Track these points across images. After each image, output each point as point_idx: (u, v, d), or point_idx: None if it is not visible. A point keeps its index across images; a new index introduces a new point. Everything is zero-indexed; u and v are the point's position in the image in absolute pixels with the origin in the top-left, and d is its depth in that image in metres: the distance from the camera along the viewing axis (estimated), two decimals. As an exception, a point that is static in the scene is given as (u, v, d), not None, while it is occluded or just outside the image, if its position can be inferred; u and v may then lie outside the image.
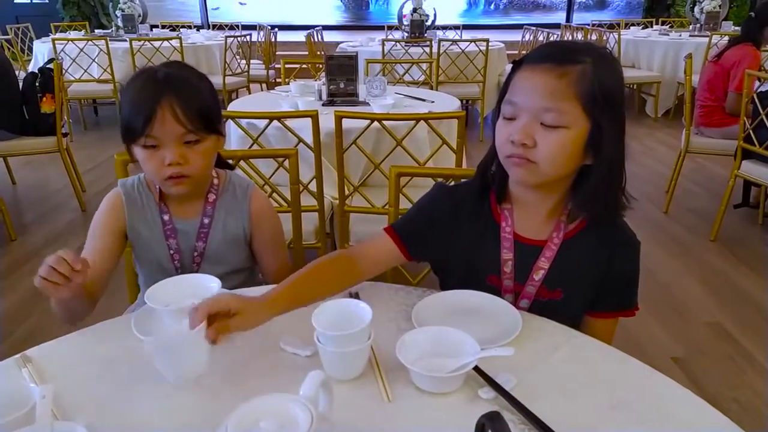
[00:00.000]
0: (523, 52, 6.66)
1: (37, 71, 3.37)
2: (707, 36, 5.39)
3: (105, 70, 5.02)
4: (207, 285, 1.02)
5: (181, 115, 1.11)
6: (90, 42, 5.06)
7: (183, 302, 0.97)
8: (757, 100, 2.75)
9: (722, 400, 1.91)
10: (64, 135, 3.47)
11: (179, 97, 1.12)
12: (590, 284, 1.03)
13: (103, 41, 4.99)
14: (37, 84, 3.28)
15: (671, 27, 7.19)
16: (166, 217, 1.26)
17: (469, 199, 1.08)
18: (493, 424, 0.61)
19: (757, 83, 2.85)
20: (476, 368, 0.84)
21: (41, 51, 5.51)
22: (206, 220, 1.27)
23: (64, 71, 4.34)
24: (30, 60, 5.93)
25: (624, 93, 1.00)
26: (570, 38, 6.65)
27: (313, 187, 2.15)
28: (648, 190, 3.84)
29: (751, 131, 2.81)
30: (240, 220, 1.29)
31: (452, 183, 1.15)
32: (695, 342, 2.24)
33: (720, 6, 6.03)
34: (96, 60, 5.06)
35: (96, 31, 6.86)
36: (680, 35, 6.05)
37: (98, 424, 0.76)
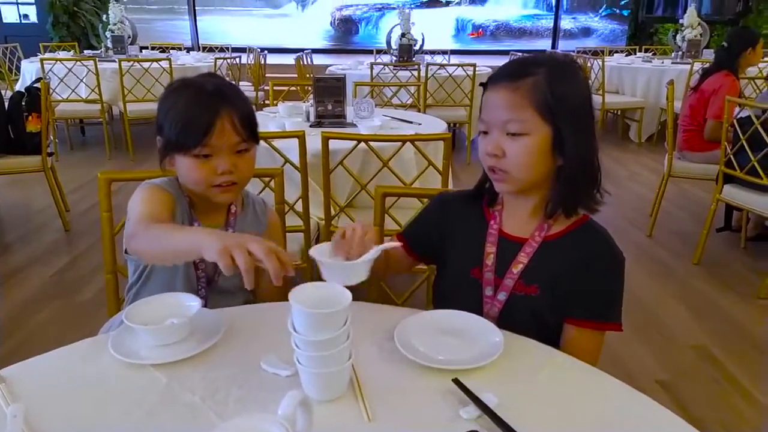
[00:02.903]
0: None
1: (23, 90, 3.37)
2: (689, 63, 5.51)
3: (93, 91, 5.01)
4: (186, 304, 1.01)
5: (238, 125, 1.16)
6: (79, 62, 5.06)
7: (162, 321, 0.97)
8: (737, 126, 2.81)
9: (707, 422, 1.91)
10: (50, 154, 3.45)
11: (234, 107, 1.16)
12: (566, 287, 1.06)
13: (91, 62, 4.99)
14: (23, 103, 3.27)
15: (654, 54, 7.34)
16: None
17: (462, 204, 1.19)
18: (473, 443, 0.61)
19: (736, 110, 2.91)
20: (458, 384, 0.84)
21: (29, 70, 5.51)
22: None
23: (51, 91, 4.34)
24: (17, 79, 5.91)
25: (585, 97, 1.06)
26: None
27: (299, 207, 2.15)
28: (632, 213, 3.88)
29: (732, 156, 2.86)
30: (259, 233, 1.31)
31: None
32: (680, 365, 2.25)
33: (701, 35, 6.17)
34: (84, 80, 5.05)
35: (85, 51, 6.87)
36: (663, 62, 6.17)
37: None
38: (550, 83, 1.00)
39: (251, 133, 1.20)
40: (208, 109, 1.14)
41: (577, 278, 1.05)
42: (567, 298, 1.06)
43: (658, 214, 3.53)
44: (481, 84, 1.09)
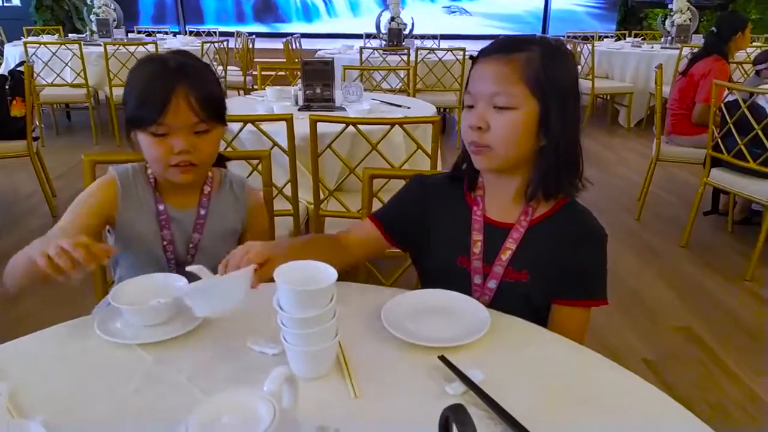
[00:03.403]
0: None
1: (6, 74, 3.31)
2: (678, 48, 5.52)
3: (78, 75, 4.95)
4: (173, 284, 1.00)
5: (195, 104, 1.12)
6: (63, 46, 4.98)
7: (148, 302, 0.96)
8: (724, 110, 2.82)
9: (692, 402, 1.94)
10: (35, 139, 3.41)
11: (193, 86, 1.12)
12: (555, 269, 1.06)
13: (76, 45, 4.92)
14: (6, 87, 3.22)
15: (643, 39, 7.34)
16: (161, 207, 1.24)
17: (443, 188, 1.15)
18: (457, 416, 0.61)
19: (725, 93, 2.92)
20: (445, 361, 0.85)
21: (12, 54, 5.42)
22: (202, 212, 1.27)
23: (35, 75, 4.28)
24: (0, 63, 5.82)
25: (574, 82, 1.06)
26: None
27: (287, 191, 2.14)
28: (620, 197, 3.90)
29: (719, 140, 2.88)
30: (238, 214, 1.31)
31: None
32: (666, 346, 2.27)
33: (690, 19, 6.18)
34: (69, 64, 4.98)
35: (70, 35, 6.77)
36: (652, 47, 6.18)
37: (56, 422, 0.74)
38: (543, 61, 0.99)
39: (213, 114, 1.16)
40: (164, 86, 1.11)
41: (565, 259, 1.06)
42: (556, 279, 1.07)
43: (646, 198, 3.55)
44: (471, 57, 1.08)
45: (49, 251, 0.86)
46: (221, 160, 1.36)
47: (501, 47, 1.02)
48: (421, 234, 1.15)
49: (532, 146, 1.03)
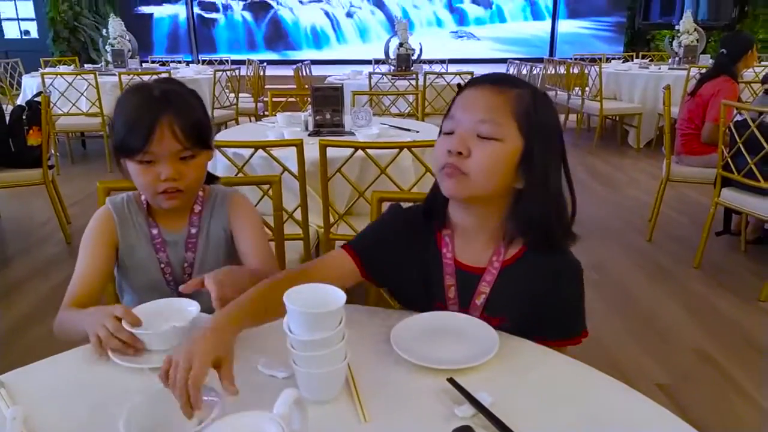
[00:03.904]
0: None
1: (24, 104, 3.39)
2: (686, 69, 5.54)
3: (93, 104, 5.05)
4: (185, 308, 1.02)
5: (179, 133, 1.14)
6: (79, 76, 5.10)
7: (161, 326, 0.98)
8: (733, 130, 2.82)
9: (707, 424, 1.91)
10: (50, 167, 3.47)
11: (177, 114, 1.14)
12: (533, 311, 1.03)
13: (92, 75, 5.03)
14: (24, 117, 3.29)
15: (651, 60, 7.38)
16: (154, 231, 1.28)
17: (416, 224, 1.10)
18: (465, 437, 0.61)
19: (734, 112, 2.92)
20: (454, 383, 0.85)
21: (30, 85, 5.55)
22: (193, 231, 1.29)
23: (52, 105, 4.37)
24: (18, 94, 5.96)
25: (560, 131, 1.03)
26: (553, 71, 6.81)
27: (298, 215, 2.16)
28: (631, 218, 3.89)
29: (729, 159, 2.87)
30: (220, 222, 1.32)
31: (407, 205, 1.17)
32: (680, 368, 2.25)
33: (698, 40, 6.21)
34: (85, 94, 5.09)
35: (85, 65, 6.92)
36: (660, 68, 6.20)
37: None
38: (533, 102, 0.98)
39: (197, 141, 1.18)
40: (148, 115, 1.13)
41: (541, 299, 1.03)
42: (534, 320, 1.03)
43: (657, 219, 3.53)
44: (459, 85, 1.05)
45: (99, 332, 0.95)
46: (211, 179, 1.38)
47: (493, 80, 1.01)
48: (396, 267, 1.09)
49: (508, 184, 1.00)
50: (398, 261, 1.09)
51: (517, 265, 1.04)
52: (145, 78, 4.98)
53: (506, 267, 1.04)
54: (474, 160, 0.96)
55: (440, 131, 1.04)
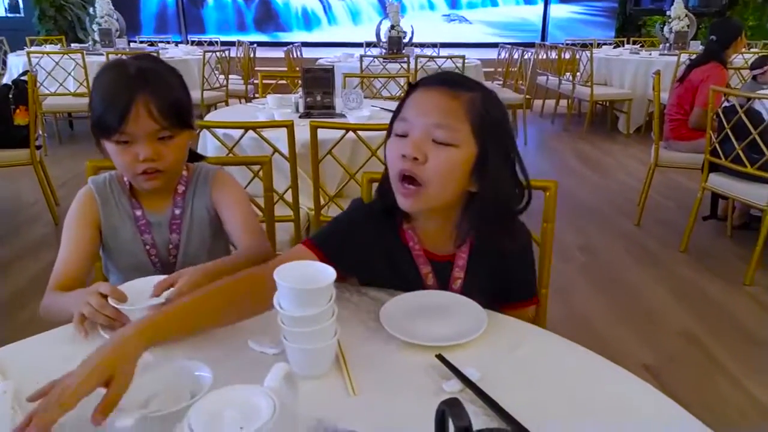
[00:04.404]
0: (500, 69, 6.78)
1: (10, 83, 3.35)
2: (676, 55, 5.55)
3: (81, 84, 4.99)
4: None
5: (155, 112, 1.10)
6: (66, 55, 5.03)
7: (147, 302, 0.97)
8: (722, 115, 2.84)
9: (694, 407, 1.92)
10: (38, 148, 3.44)
11: (153, 93, 1.10)
12: (501, 281, 1.10)
13: (79, 55, 4.96)
14: (10, 96, 3.25)
15: (642, 46, 7.38)
16: (138, 213, 1.26)
17: (380, 218, 1.09)
18: (453, 410, 0.62)
19: (723, 98, 2.94)
20: (442, 359, 0.86)
21: (15, 64, 5.47)
22: (177, 212, 1.28)
23: (39, 84, 4.31)
24: (4, 73, 5.87)
25: (509, 128, 1.04)
26: (545, 56, 6.80)
27: (288, 197, 2.16)
28: (620, 202, 3.92)
29: (717, 145, 2.89)
30: (203, 201, 1.29)
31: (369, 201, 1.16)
32: (666, 350, 2.28)
33: (688, 26, 6.22)
34: (72, 74, 5.03)
35: (72, 45, 6.82)
36: (650, 54, 6.22)
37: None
38: (486, 104, 0.98)
39: (176, 121, 1.14)
40: (124, 94, 1.09)
41: (507, 269, 1.10)
42: (503, 290, 1.11)
43: (645, 203, 3.56)
44: (409, 84, 1.04)
45: (83, 309, 0.95)
46: (195, 157, 1.35)
47: (446, 81, 1.00)
48: (365, 263, 1.08)
49: (462, 189, 1.00)
50: (364, 255, 1.07)
51: (482, 246, 1.08)
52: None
53: (474, 249, 1.08)
54: (430, 167, 0.95)
55: (390, 131, 1.03)
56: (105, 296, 0.96)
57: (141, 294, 1.00)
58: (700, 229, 3.33)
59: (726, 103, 2.88)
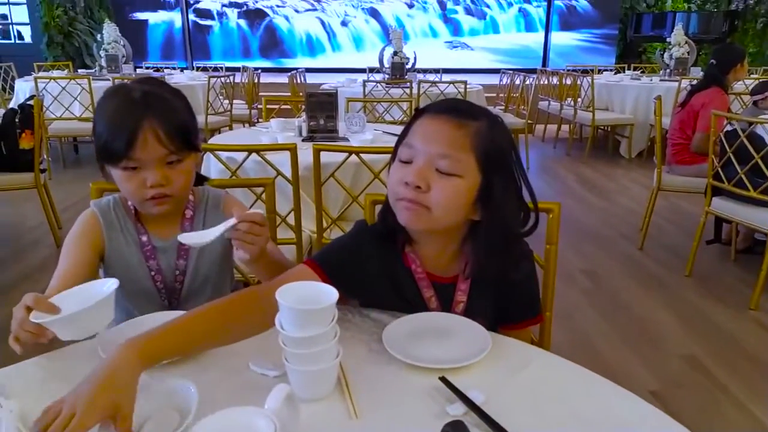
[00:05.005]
0: (501, 94, 6.84)
1: (17, 107, 3.38)
2: (677, 80, 5.59)
3: (87, 109, 5.04)
4: (100, 289, 0.95)
5: (163, 136, 1.09)
6: (72, 81, 5.09)
7: (60, 315, 0.92)
8: (723, 139, 2.85)
9: (698, 430, 1.91)
10: (42, 171, 3.46)
11: (160, 118, 1.09)
12: (504, 303, 1.10)
13: (85, 80, 5.02)
14: (16, 120, 3.28)
15: (643, 72, 7.45)
16: (144, 238, 1.23)
17: (382, 240, 1.09)
18: (456, 432, 0.62)
19: (724, 123, 2.95)
20: (445, 382, 0.85)
21: (23, 89, 5.53)
22: None
23: (45, 109, 4.36)
24: (11, 99, 5.94)
25: (516, 153, 1.03)
26: (546, 82, 6.86)
27: (291, 220, 2.16)
28: (623, 227, 3.91)
29: (719, 169, 2.90)
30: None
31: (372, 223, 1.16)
32: (671, 375, 2.25)
33: (689, 52, 6.28)
34: (78, 99, 5.08)
35: (79, 70, 6.91)
36: (651, 80, 6.26)
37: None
38: (492, 134, 0.98)
39: (183, 144, 1.13)
40: (130, 121, 1.07)
41: (508, 291, 1.09)
42: (504, 311, 1.11)
43: (648, 228, 3.56)
44: (416, 110, 1.04)
45: (12, 325, 0.93)
46: (200, 180, 1.34)
47: (452, 109, 0.99)
48: (365, 284, 1.07)
49: (465, 217, 1.01)
50: (367, 276, 1.06)
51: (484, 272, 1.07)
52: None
53: (477, 272, 1.07)
54: (434, 195, 0.95)
55: (394, 156, 1.03)
56: (31, 309, 0.92)
57: (76, 302, 0.92)
58: (703, 254, 3.32)
59: (728, 128, 2.89)
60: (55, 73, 6.16)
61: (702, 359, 2.35)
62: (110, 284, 0.95)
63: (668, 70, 6.34)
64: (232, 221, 1.02)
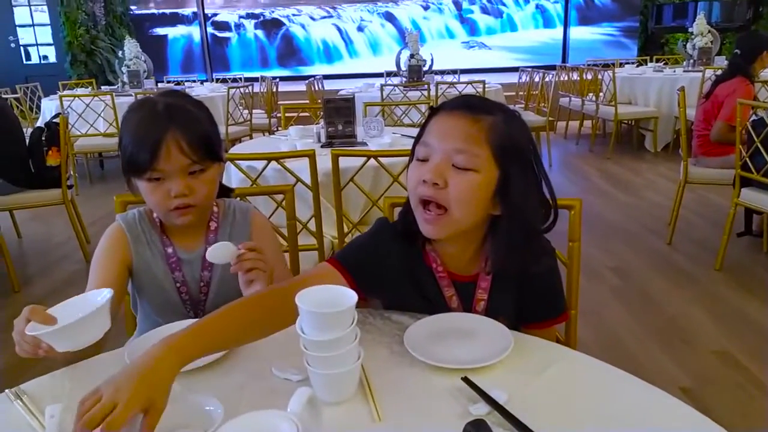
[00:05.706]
0: (521, 92, 6.79)
1: (43, 126, 3.46)
2: (701, 71, 5.49)
3: (111, 125, 5.14)
4: (94, 300, 0.96)
5: (186, 147, 1.11)
6: (96, 97, 5.19)
7: (53, 327, 0.91)
8: (751, 129, 2.78)
9: (734, 428, 1.86)
10: (69, 187, 3.53)
11: (183, 129, 1.11)
12: (526, 301, 1.08)
13: (108, 96, 5.13)
14: (43, 138, 3.35)
15: (665, 64, 7.32)
16: (170, 250, 1.25)
17: (403, 239, 1.09)
18: (479, 431, 0.61)
19: (750, 112, 2.89)
20: (468, 382, 0.84)
21: (49, 108, 5.66)
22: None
23: (70, 126, 4.45)
24: (38, 118, 6.08)
25: (534, 146, 1.02)
26: (566, 78, 6.79)
27: (311, 226, 2.17)
28: (650, 222, 3.84)
29: (747, 159, 2.83)
30: (241, 240, 1.26)
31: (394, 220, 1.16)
32: (704, 371, 2.20)
33: (712, 42, 6.16)
34: (102, 115, 5.18)
35: (102, 87, 7.06)
36: (674, 71, 6.15)
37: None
38: (508, 127, 0.98)
39: (206, 154, 1.14)
40: (153, 132, 1.10)
41: (530, 289, 1.07)
42: (528, 309, 1.09)
43: (677, 222, 3.48)
44: (431, 108, 1.05)
45: (14, 338, 0.94)
46: (226, 192, 1.36)
47: (466, 105, 0.99)
48: (387, 282, 1.08)
49: (485, 213, 1.00)
50: (388, 273, 1.07)
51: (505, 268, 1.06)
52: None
53: (497, 272, 1.06)
54: (452, 191, 0.95)
55: (412, 155, 1.03)
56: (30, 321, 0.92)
57: (72, 312, 0.93)
58: (734, 246, 3.24)
59: (754, 117, 2.82)
60: (79, 90, 6.29)
61: (735, 354, 2.29)
62: (104, 294, 0.96)
63: (692, 61, 6.21)
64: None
